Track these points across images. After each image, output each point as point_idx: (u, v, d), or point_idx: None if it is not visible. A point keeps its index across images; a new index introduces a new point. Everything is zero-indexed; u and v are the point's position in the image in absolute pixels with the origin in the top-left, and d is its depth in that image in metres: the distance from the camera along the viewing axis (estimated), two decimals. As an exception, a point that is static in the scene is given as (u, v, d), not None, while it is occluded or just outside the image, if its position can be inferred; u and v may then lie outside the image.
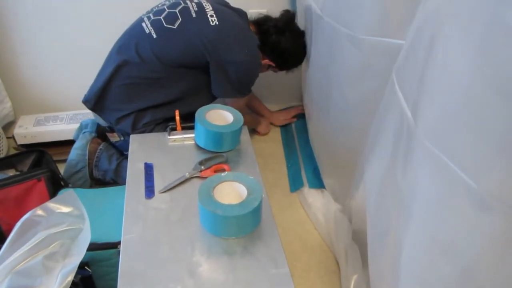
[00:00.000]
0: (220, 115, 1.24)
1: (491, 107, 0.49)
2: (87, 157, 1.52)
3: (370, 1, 0.99)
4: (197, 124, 1.18)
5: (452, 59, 0.55)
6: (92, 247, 1.12)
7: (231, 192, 0.98)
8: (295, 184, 1.74)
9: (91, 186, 1.56)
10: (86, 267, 1.14)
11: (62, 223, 0.91)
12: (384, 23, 0.97)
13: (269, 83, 2.23)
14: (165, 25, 1.39)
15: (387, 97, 0.85)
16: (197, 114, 1.20)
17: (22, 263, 0.82)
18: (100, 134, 1.61)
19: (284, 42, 1.54)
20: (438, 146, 0.58)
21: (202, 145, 1.20)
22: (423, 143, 0.60)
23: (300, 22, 1.68)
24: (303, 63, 1.74)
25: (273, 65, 1.61)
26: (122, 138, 1.51)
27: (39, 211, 0.91)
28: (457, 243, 0.57)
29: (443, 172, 0.57)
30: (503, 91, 0.47)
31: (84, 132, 1.60)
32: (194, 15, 1.39)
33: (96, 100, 1.45)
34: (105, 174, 1.54)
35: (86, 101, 1.48)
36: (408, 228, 0.67)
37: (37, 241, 0.85)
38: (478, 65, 0.50)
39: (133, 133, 1.39)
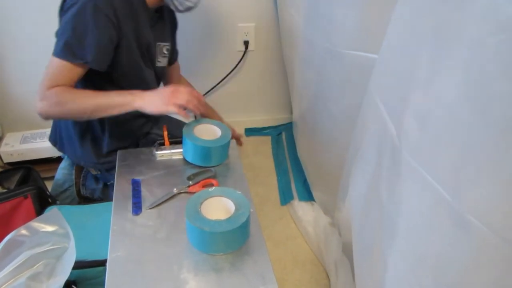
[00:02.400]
0: (208, 130, 1.24)
1: (472, 126, 0.49)
2: (73, 176, 1.50)
3: (349, 15, 1.00)
4: (185, 139, 1.18)
5: (433, 78, 0.55)
6: (80, 265, 1.10)
7: (218, 207, 0.97)
8: (285, 197, 1.73)
9: (79, 204, 1.55)
10: (73, 286, 1.12)
11: (47, 243, 0.89)
12: (363, 37, 0.98)
13: (258, 94, 2.24)
14: None
15: (366, 110, 0.86)
16: (184, 129, 1.19)
17: (5, 285, 0.80)
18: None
19: None
20: (421, 163, 0.58)
21: (190, 160, 1.20)
22: (407, 160, 0.60)
23: (284, 38, 1.70)
24: (290, 77, 1.75)
25: None
26: (99, 172, 1.45)
27: (22, 231, 0.89)
28: (440, 260, 0.57)
29: (426, 189, 0.57)
30: (483, 109, 0.47)
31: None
32: None
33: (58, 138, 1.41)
34: (93, 192, 1.53)
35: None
36: (392, 244, 0.67)
37: (20, 262, 0.83)
38: (458, 83, 0.51)
39: (97, 165, 1.38)
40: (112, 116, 1.16)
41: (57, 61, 1.10)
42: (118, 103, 1.15)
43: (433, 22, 0.56)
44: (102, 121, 1.31)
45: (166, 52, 1.39)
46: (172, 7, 1.26)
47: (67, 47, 1.09)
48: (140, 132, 1.43)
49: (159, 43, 1.35)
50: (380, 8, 0.90)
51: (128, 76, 1.26)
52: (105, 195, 1.51)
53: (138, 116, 1.39)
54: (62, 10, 1.13)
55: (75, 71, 1.13)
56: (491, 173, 0.48)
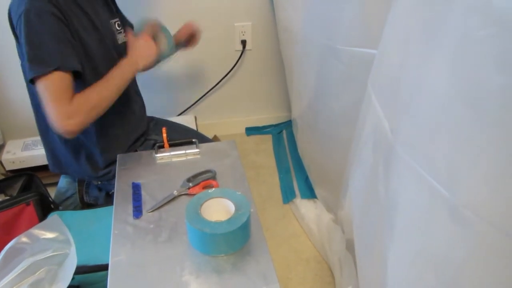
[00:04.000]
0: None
1: (464, 119, 0.49)
2: (76, 184, 1.50)
3: (349, 11, 0.99)
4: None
5: (424, 72, 0.55)
6: (82, 269, 1.10)
7: (219, 208, 0.97)
8: (288, 196, 1.73)
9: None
10: (77, 291, 1.12)
11: (48, 249, 0.89)
12: (363, 33, 0.97)
13: (258, 93, 2.24)
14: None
15: (365, 108, 0.85)
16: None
17: (7, 292, 0.81)
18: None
19: None
20: (415, 158, 0.57)
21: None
22: (401, 156, 0.60)
23: (281, 37, 1.69)
24: (288, 75, 1.74)
25: None
26: (100, 182, 1.45)
27: (23, 238, 0.89)
28: (439, 256, 0.56)
29: (421, 185, 0.56)
30: (475, 103, 0.47)
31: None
32: None
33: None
34: (96, 200, 1.52)
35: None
36: (391, 240, 0.67)
37: (22, 269, 0.84)
38: (450, 77, 0.50)
39: (98, 179, 1.38)
40: (101, 129, 1.25)
41: (41, 81, 1.06)
42: (128, 75, 1.20)
43: (423, 17, 0.56)
44: (91, 137, 1.31)
45: (119, 28, 1.36)
46: None
47: (35, 62, 1.05)
48: (131, 138, 1.42)
49: (111, 20, 1.32)
50: (378, 3, 0.90)
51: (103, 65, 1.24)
52: (108, 203, 1.50)
53: (126, 125, 1.39)
54: (15, 37, 1.12)
55: (62, 79, 1.08)
56: (485, 165, 0.47)
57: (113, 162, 1.34)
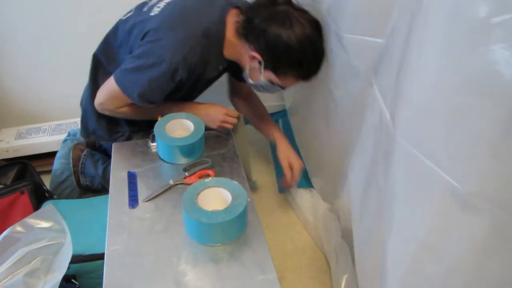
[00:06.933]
0: (181, 124, 1.22)
1: (468, 106, 0.48)
2: (71, 165, 1.49)
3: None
4: (156, 138, 1.17)
5: (427, 59, 0.54)
6: (79, 259, 1.10)
7: (215, 198, 0.97)
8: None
9: (79, 194, 1.54)
10: (73, 280, 1.12)
11: (43, 239, 0.89)
12: (367, 22, 0.95)
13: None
14: (121, 18, 1.32)
15: (368, 98, 0.84)
16: (156, 125, 1.18)
17: (2, 282, 0.80)
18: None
19: (273, 32, 1.10)
20: (417, 147, 0.57)
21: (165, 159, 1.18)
22: (402, 144, 0.59)
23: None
24: None
25: (260, 59, 1.15)
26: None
27: (18, 228, 0.88)
28: (440, 244, 0.56)
29: (424, 173, 0.56)
30: (478, 90, 0.46)
31: (65, 140, 1.57)
32: (145, 8, 1.25)
33: None
34: (92, 180, 1.51)
35: None
36: (391, 229, 0.67)
37: (17, 259, 0.83)
38: (452, 64, 0.50)
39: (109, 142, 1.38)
40: None
41: (116, 84, 1.19)
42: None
43: (427, 3, 0.55)
44: None
45: None
46: (246, 79, 1.29)
47: (127, 77, 1.18)
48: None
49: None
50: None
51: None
52: (106, 182, 1.47)
53: None
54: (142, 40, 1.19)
55: (129, 100, 1.22)
56: (490, 152, 0.47)
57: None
